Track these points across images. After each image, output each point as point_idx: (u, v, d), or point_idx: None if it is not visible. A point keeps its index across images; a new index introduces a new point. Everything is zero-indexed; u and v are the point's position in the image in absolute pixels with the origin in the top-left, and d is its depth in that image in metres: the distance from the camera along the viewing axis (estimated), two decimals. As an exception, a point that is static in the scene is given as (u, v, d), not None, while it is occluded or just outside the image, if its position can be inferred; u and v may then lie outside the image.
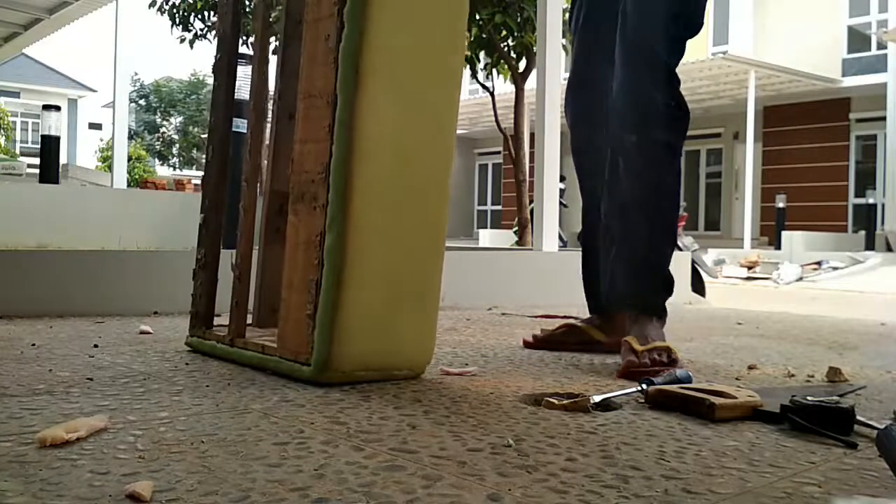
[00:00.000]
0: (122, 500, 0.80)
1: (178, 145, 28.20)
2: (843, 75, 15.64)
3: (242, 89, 2.58)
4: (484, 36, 8.43)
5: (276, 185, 1.87)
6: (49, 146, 6.53)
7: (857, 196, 15.42)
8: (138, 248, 4.58)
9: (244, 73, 2.71)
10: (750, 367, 1.84)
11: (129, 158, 19.11)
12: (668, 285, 1.88)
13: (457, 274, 3.07)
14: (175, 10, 10.44)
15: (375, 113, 1.45)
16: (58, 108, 6.87)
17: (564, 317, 2.54)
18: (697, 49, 15.36)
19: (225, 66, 1.92)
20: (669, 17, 1.82)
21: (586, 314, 2.16)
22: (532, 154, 4.95)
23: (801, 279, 8.93)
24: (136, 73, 28.80)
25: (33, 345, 1.84)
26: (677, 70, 1.86)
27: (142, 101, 28.15)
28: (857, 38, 15.80)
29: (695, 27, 1.88)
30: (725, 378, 1.69)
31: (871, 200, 12.91)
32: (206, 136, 2.02)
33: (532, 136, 5.08)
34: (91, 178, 11.24)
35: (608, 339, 2.01)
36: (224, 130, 1.93)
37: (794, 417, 1.20)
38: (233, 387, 1.41)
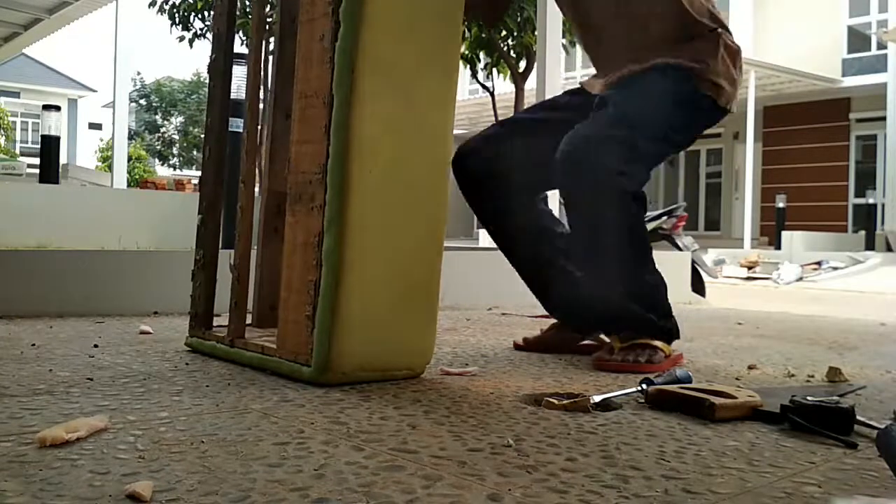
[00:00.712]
0: (122, 500, 0.80)
1: (178, 145, 28.16)
2: (843, 75, 15.62)
3: (241, 89, 2.58)
4: (484, 36, 8.44)
5: (273, 185, 1.86)
6: (49, 146, 6.53)
7: (857, 196, 15.40)
8: (138, 248, 4.59)
9: (243, 73, 2.71)
10: (750, 367, 1.84)
11: (130, 158, 19.09)
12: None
13: (457, 274, 3.07)
14: (175, 10, 10.46)
15: (372, 112, 1.45)
16: (58, 108, 6.87)
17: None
18: (697, 49, 15.26)
19: (220, 66, 1.92)
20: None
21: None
22: (532, 154, 4.93)
23: (801, 279, 8.92)
24: (138, 73, 28.77)
25: (33, 345, 1.84)
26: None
27: (142, 101, 28.12)
28: (857, 38, 15.78)
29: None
30: (725, 378, 1.69)
31: (871, 200, 12.89)
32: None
33: (532, 136, 5.06)
34: (91, 178, 11.26)
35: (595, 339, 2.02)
36: (220, 130, 1.92)
37: (794, 417, 1.20)
38: (233, 387, 1.41)
